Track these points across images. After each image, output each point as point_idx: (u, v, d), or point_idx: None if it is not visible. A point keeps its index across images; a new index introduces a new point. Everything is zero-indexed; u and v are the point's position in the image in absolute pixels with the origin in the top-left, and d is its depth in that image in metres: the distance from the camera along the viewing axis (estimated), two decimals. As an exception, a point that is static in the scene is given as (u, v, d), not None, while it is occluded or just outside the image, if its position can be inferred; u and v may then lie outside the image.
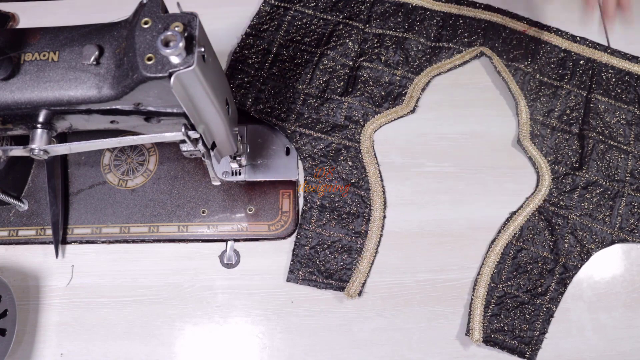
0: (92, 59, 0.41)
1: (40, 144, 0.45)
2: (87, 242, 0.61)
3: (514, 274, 0.58)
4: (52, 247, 0.61)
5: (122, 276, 0.60)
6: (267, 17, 0.69)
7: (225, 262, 0.60)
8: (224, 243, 0.61)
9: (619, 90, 0.65)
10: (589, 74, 0.66)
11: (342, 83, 0.66)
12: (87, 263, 0.61)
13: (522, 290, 0.58)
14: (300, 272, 0.59)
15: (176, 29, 0.37)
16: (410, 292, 0.59)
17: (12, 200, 0.61)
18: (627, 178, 0.62)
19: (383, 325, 0.58)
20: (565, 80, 0.65)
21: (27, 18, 0.71)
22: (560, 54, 0.67)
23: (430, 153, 0.64)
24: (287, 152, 0.63)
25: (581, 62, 0.66)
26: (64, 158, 0.64)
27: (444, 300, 0.58)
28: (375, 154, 0.63)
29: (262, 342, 0.57)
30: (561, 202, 0.61)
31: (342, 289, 0.58)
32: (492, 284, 0.58)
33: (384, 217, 0.61)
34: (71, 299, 0.59)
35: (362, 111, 0.65)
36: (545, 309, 0.57)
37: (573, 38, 0.68)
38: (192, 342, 0.58)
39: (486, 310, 0.57)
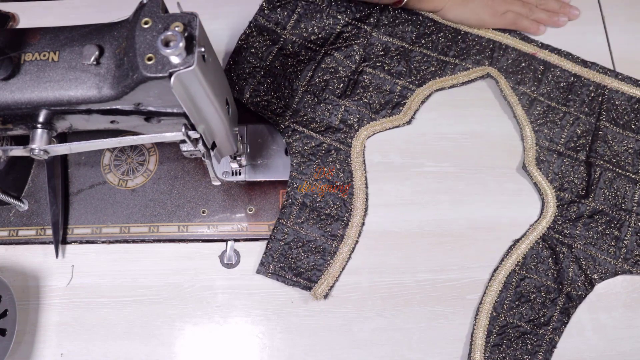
0: (92, 59, 0.41)
1: (40, 144, 0.45)
2: (87, 242, 0.61)
3: (517, 303, 0.57)
4: (52, 247, 0.61)
5: (122, 276, 0.60)
6: (278, 5, 0.68)
7: (225, 262, 0.60)
8: (224, 243, 0.61)
9: (628, 119, 0.63)
10: (599, 100, 0.64)
11: (341, 85, 0.65)
12: (87, 263, 0.61)
13: (525, 320, 0.57)
14: (270, 266, 0.59)
15: (176, 29, 0.37)
16: (410, 292, 0.59)
17: (12, 200, 0.61)
18: (635, 208, 0.60)
19: (383, 325, 0.58)
20: (575, 107, 0.64)
21: (27, 18, 0.71)
22: (571, 78, 0.66)
23: (430, 153, 0.64)
24: (287, 152, 0.63)
25: (591, 87, 0.65)
26: (64, 158, 0.64)
27: (444, 300, 0.58)
28: (364, 160, 0.63)
29: (262, 342, 0.57)
30: (565, 231, 0.60)
31: (309, 288, 0.58)
32: (494, 313, 0.57)
33: (363, 224, 0.61)
34: (71, 299, 0.59)
35: (358, 116, 0.64)
36: (547, 340, 0.56)
37: (584, 63, 0.66)
38: (192, 342, 0.58)
39: (488, 340, 0.56)
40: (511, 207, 0.62)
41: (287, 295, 0.59)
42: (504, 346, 0.56)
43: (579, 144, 0.63)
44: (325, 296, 0.58)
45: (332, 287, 0.58)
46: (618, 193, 0.61)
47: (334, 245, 0.59)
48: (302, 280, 0.58)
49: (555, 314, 0.57)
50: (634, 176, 0.62)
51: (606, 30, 0.69)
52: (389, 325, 0.58)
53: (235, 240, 0.61)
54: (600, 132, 0.63)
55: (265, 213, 0.62)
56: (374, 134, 0.64)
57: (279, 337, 0.58)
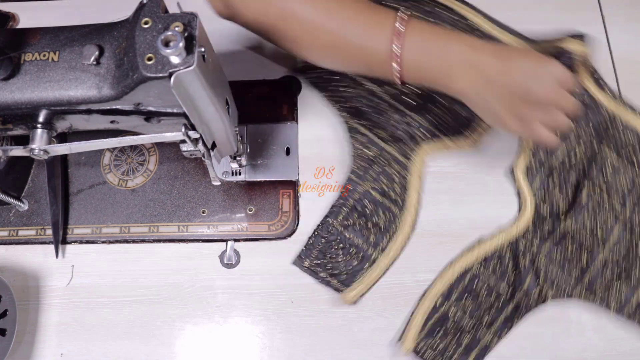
0: (92, 59, 0.41)
1: (40, 144, 0.45)
2: (87, 242, 0.61)
3: (465, 297, 0.57)
4: (52, 247, 0.61)
5: (122, 276, 0.60)
6: None
7: (225, 262, 0.60)
8: (224, 243, 0.61)
9: (631, 150, 0.62)
10: (606, 126, 0.63)
11: (416, 97, 0.64)
12: (87, 263, 0.61)
13: (468, 316, 0.56)
14: (307, 261, 0.59)
15: (176, 29, 0.37)
16: (410, 292, 0.59)
17: (12, 200, 0.61)
18: (609, 242, 0.59)
19: (383, 325, 0.58)
20: (581, 127, 0.62)
21: (27, 18, 0.71)
22: (584, 97, 0.64)
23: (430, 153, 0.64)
24: (287, 152, 0.63)
25: (602, 110, 0.63)
26: (64, 158, 0.64)
27: (444, 300, 0.58)
28: (421, 176, 0.62)
29: (262, 342, 0.57)
30: (533, 246, 0.59)
31: (339, 291, 0.58)
32: (439, 300, 0.57)
33: (408, 238, 0.60)
34: (71, 299, 0.59)
35: (425, 132, 0.63)
36: (485, 342, 0.55)
37: (597, 82, 0.64)
38: (192, 342, 0.58)
39: (425, 323, 0.56)
40: (511, 207, 0.62)
41: (287, 295, 0.59)
42: (440, 334, 0.55)
43: (573, 164, 0.62)
44: (355, 302, 0.58)
45: (362, 295, 0.58)
46: (597, 223, 0.59)
47: (374, 255, 0.59)
48: (335, 281, 0.58)
49: (500, 318, 0.56)
50: (619, 212, 0.60)
51: (606, 30, 0.69)
52: (389, 325, 0.58)
53: (235, 240, 0.61)
54: (598, 157, 0.62)
55: (265, 213, 0.62)
56: (436, 151, 0.63)
57: (279, 337, 0.58)
